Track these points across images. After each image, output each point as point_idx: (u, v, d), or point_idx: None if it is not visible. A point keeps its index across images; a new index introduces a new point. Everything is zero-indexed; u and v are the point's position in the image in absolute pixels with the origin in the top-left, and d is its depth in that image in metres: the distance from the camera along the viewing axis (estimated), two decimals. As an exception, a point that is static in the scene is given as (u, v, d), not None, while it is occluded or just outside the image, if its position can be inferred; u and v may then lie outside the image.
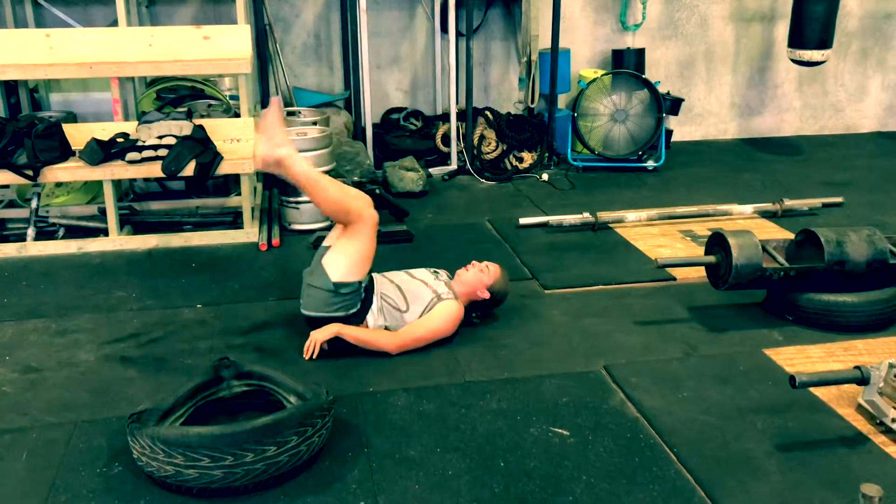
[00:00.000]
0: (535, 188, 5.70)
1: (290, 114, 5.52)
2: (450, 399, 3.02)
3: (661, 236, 4.73)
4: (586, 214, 4.85)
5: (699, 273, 3.98)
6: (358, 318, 3.36)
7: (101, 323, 3.65)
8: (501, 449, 2.72)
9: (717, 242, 3.69)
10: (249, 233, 4.68)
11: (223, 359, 2.89)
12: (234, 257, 4.44)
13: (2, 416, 2.91)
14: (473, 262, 3.63)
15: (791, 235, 4.10)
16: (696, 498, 2.49)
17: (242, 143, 4.79)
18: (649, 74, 6.52)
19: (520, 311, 3.76)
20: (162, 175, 4.45)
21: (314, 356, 3.27)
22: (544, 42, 6.25)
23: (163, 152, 4.45)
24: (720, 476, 2.58)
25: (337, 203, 3.29)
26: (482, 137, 6.04)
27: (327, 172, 4.78)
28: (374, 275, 3.50)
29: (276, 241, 4.63)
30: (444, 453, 2.70)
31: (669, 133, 6.64)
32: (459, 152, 6.01)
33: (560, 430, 2.83)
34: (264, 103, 5.58)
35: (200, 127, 4.64)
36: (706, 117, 7.07)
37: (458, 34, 5.99)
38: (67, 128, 4.61)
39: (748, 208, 5.07)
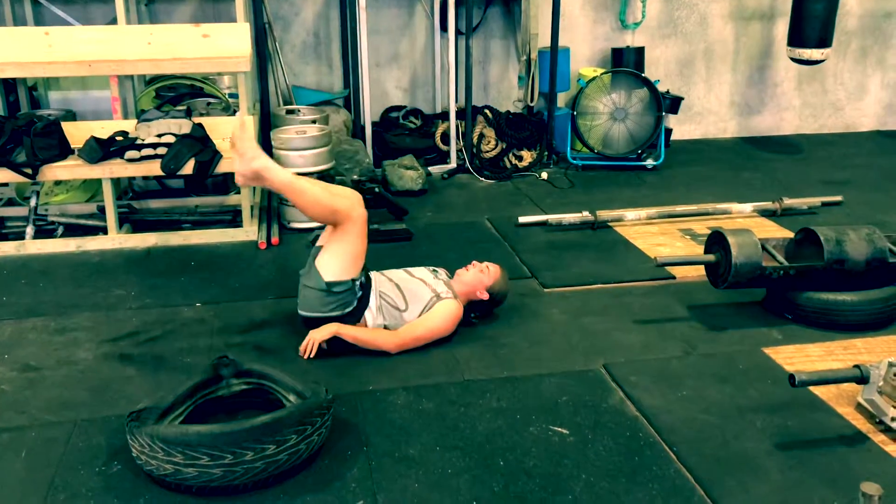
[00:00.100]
0: (535, 187, 5.69)
1: (289, 112, 5.53)
2: (449, 398, 3.02)
3: (660, 235, 4.72)
4: (586, 213, 4.85)
5: (699, 272, 3.98)
6: (355, 317, 3.35)
7: (100, 321, 3.65)
8: (501, 448, 2.72)
9: (716, 241, 3.69)
10: (248, 231, 4.68)
11: (222, 357, 2.89)
12: (233, 256, 4.44)
13: (1, 415, 2.91)
14: (474, 262, 3.63)
15: (790, 234, 4.10)
16: (695, 497, 2.50)
17: (242, 141, 4.77)
18: (649, 73, 6.52)
19: (519, 310, 3.75)
20: (161, 173, 4.44)
21: (312, 356, 3.27)
22: (544, 40, 6.25)
23: (162, 151, 4.44)
24: (720, 475, 2.58)
25: (322, 206, 3.27)
26: (481, 136, 6.03)
27: (326, 171, 4.80)
28: (372, 273, 3.50)
29: (275, 239, 4.63)
30: (443, 452, 2.70)
31: (669, 132, 6.64)
32: (459, 151, 6.00)
33: (559, 429, 2.83)
34: (263, 102, 5.58)
35: (199, 125, 4.63)
36: (706, 116, 7.07)
37: (458, 32, 5.98)
38: (66, 126, 4.60)
39: (747, 207, 5.07)
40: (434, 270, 3.61)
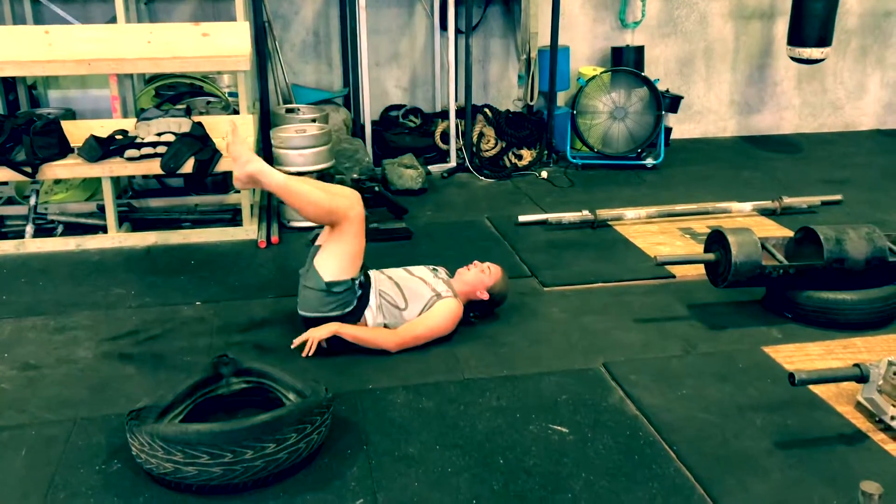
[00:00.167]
0: (535, 186, 5.69)
1: (288, 111, 5.52)
2: (449, 396, 3.02)
3: (660, 234, 4.73)
4: (585, 212, 4.85)
5: (698, 271, 3.98)
6: (355, 317, 3.35)
7: (99, 320, 3.65)
8: (501, 446, 2.72)
9: (716, 240, 3.69)
10: (248, 230, 4.68)
11: (222, 356, 2.89)
12: (232, 254, 4.44)
13: (1, 414, 2.91)
14: (475, 262, 3.63)
15: (790, 233, 4.10)
16: (695, 495, 2.50)
17: (241, 140, 4.78)
18: (648, 72, 6.52)
19: (519, 309, 3.75)
20: (161, 172, 4.44)
21: (311, 354, 3.26)
22: (543, 39, 6.25)
23: (161, 149, 4.44)
24: (719, 474, 2.58)
25: (318, 207, 3.27)
26: (481, 135, 6.03)
27: (326, 170, 4.80)
28: (372, 272, 3.50)
29: (275, 238, 4.63)
30: (443, 451, 2.70)
31: (669, 131, 6.64)
32: (458, 150, 6.00)
33: (559, 428, 2.83)
34: (263, 101, 5.58)
35: (199, 124, 4.63)
36: (705, 115, 7.07)
37: (458, 31, 5.98)
38: (66, 125, 4.60)
39: (747, 206, 5.07)
40: (434, 269, 3.61)
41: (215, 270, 4.21)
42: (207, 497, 2.46)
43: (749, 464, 2.63)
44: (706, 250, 3.77)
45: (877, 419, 2.84)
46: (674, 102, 6.41)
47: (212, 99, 5.33)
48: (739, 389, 3.07)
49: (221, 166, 4.49)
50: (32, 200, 4.63)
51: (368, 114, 5.81)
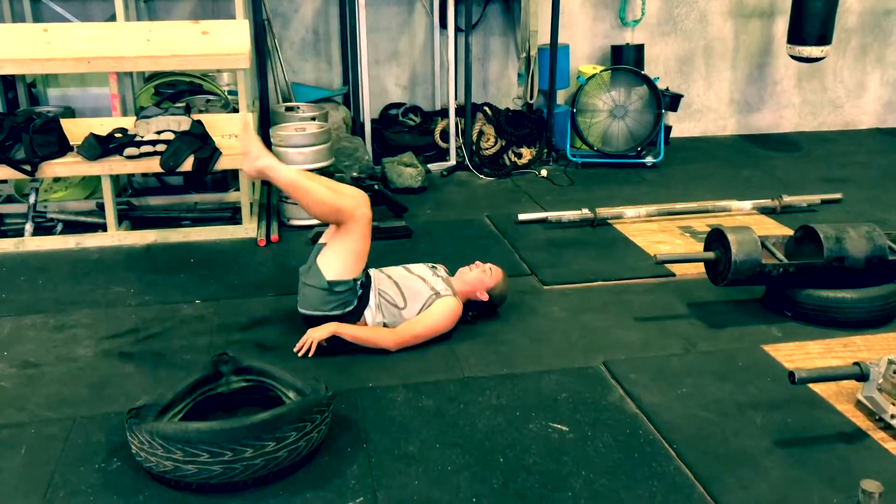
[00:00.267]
0: (534, 184, 5.69)
1: (288, 109, 5.52)
2: (449, 395, 3.02)
3: (660, 232, 4.72)
4: (585, 210, 4.84)
5: (698, 269, 3.98)
6: (355, 316, 3.35)
7: (99, 318, 3.65)
8: (500, 444, 2.72)
9: (716, 239, 3.69)
10: (248, 228, 4.67)
11: (222, 354, 2.89)
12: (232, 253, 4.43)
13: (0, 412, 2.91)
14: (477, 262, 3.63)
15: (790, 232, 4.10)
16: (695, 494, 2.50)
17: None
18: (648, 70, 6.51)
19: (519, 308, 3.75)
20: (160, 170, 4.44)
21: (310, 354, 3.26)
22: (543, 38, 6.24)
23: (161, 147, 4.44)
24: (719, 472, 2.58)
25: (326, 205, 3.28)
26: (481, 133, 6.03)
27: (325, 168, 4.80)
28: (371, 270, 3.49)
29: (274, 236, 4.63)
30: (443, 449, 2.70)
31: (668, 129, 6.63)
32: (458, 148, 6.00)
33: (559, 426, 2.83)
34: (262, 99, 5.57)
35: (199, 122, 4.63)
36: (705, 113, 7.07)
37: (457, 29, 5.98)
38: (65, 123, 4.60)
39: (747, 204, 5.07)
40: (433, 267, 3.61)
41: (215, 269, 4.21)
42: (207, 495, 2.46)
43: (749, 462, 2.63)
44: (706, 249, 3.77)
45: (877, 418, 2.84)
46: (674, 101, 6.41)
47: (211, 97, 5.32)
48: (739, 388, 3.07)
49: (221, 164, 4.49)
50: (32, 199, 4.63)
51: (368, 112, 5.81)
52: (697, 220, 4.92)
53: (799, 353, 3.33)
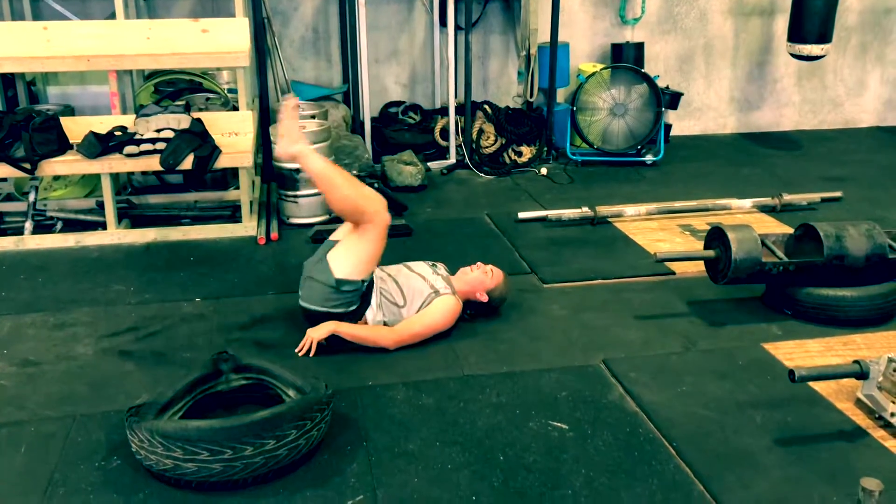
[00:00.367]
0: (534, 182, 5.69)
1: (288, 107, 5.51)
2: (449, 393, 3.02)
3: (660, 231, 4.72)
4: (585, 209, 4.84)
5: (698, 267, 3.98)
6: (356, 316, 3.35)
7: (99, 317, 3.65)
8: (500, 443, 2.72)
9: (716, 237, 3.68)
10: (248, 227, 4.67)
11: (222, 352, 2.89)
12: (232, 251, 4.43)
13: (0, 410, 2.91)
14: (479, 263, 3.63)
15: (790, 230, 4.10)
16: (695, 492, 2.50)
17: (241, 136, 4.78)
18: (648, 68, 6.51)
19: (519, 306, 3.75)
20: (160, 168, 4.44)
21: (311, 354, 3.26)
22: (543, 36, 6.24)
23: (161, 146, 4.44)
24: (719, 470, 2.58)
25: (350, 202, 3.31)
26: (481, 131, 6.03)
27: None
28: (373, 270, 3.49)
29: (274, 234, 4.62)
30: (443, 447, 2.70)
31: (668, 127, 6.63)
32: (458, 146, 6.00)
33: (559, 424, 2.83)
34: (262, 97, 5.57)
35: (198, 120, 4.62)
36: (705, 112, 7.06)
37: (457, 28, 5.97)
38: (65, 121, 4.59)
39: (747, 203, 5.07)
40: (433, 265, 3.61)
41: (215, 267, 4.21)
42: (207, 493, 2.46)
43: (749, 460, 2.63)
44: (706, 247, 3.77)
45: (877, 416, 2.84)
46: (673, 99, 6.40)
47: (211, 95, 5.32)
48: (739, 386, 3.07)
49: (220, 163, 4.49)
50: (31, 197, 4.63)
51: (368, 110, 5.80)
52: (697, 218, 4.91)
53: (799, 352, 3.33)
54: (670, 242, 4.54)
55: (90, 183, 5.03)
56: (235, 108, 5.08)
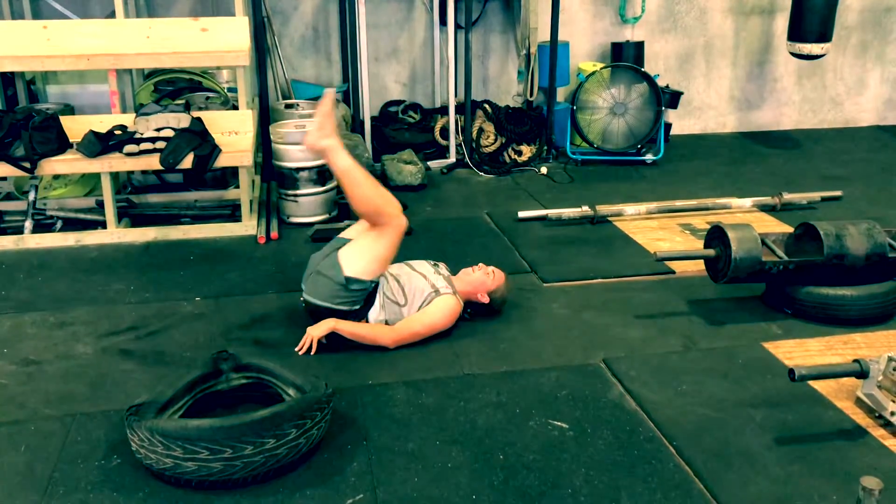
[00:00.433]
0: (534, 181, 5.69)
1: (287, 106, 5.51)
2: (449, 392, 3.02)
3: (660, 230, 4.72)
4: (585, 208, 4.84)
5: (698, 266, 3.98)
6: (359, 315, 3.35)
7: (99, 316, 3.65)
8: (500, 442, 2.72)
9: (716, 236, 3.68)
10: (248, 226, 4.67)
11: (222, 351, 2.89)
12: (232, 250, 4.43)
13: (0, 409, 2.91)
14: (481, 264, 3.63)
15: (790, 229, 4.10)
16: (694, 491, 2.50)
17: (240, 135, 4.77)
18: (648, 67, 6.51)
19: (519, 305, 3.75)
20: (160, 168, 4.43)
21: (311, 353, 3.26)
22: (543, 35, 6.24)
23: (161, 145, 4.43)
24: (719, 469, 2.58)
25: (371, 203, 3.32)
26: (481, 130, 6.03)
27: (325, 165, 4.79)
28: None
29: (274, 234, 4.62)
30: (443, 446, 2.70)
31: (668, 126, 6.63)
32: (458, 145, 5.99)
33: (559, 423, 2.83)
34: (262, 96, 5.57)
35: (198, 119, 4.62)
36: (705, 111, 7.06)
37: (457, 27, 5.97)
38: (65, 120, 4.59)
39: (747, 202, 5.06)
40: (435, 264, 3.61)
41: (215, 266, 4.21)
42: (207, 492, 2.46)
43: (749, 459, 2.63)
44: (706, 246, 3.77)
45: (876, 415, 2.84)
46: (673, 98, 6.41)
47: (211, 94, 5.32)
48: (739, 385, 3.07)
49: (220, 162, 4.48)
50: (31, 196, 4.62)
51: (368, 109, 5.80)
52: (697, 217, 4.91)
53: (799, 351, 3.33)
54: (670, 241, 4.54)
55: (90, 182, 5.03)
56: (235, 107, 5.07)
